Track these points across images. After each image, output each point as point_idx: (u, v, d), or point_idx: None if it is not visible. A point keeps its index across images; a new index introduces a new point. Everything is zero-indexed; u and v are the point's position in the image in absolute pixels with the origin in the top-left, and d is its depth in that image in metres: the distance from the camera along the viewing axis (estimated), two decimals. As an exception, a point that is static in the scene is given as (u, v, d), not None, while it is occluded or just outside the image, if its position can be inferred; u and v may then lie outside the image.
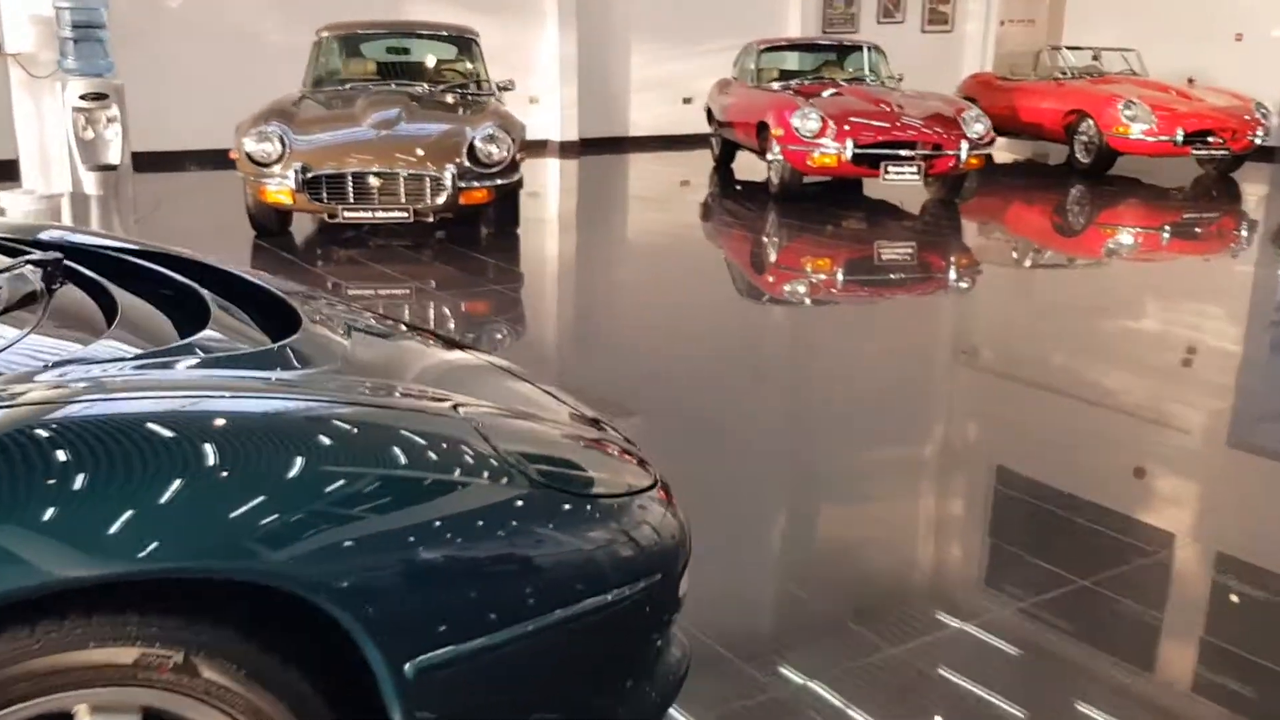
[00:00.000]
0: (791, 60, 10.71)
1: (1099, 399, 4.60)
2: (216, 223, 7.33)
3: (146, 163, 9.71)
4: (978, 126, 8.73)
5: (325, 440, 1.42)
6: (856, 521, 3.48)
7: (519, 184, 7.29)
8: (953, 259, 7.76)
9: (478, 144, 6.84)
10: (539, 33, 12.54)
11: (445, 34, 8.75)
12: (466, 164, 6.76)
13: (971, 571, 3.22)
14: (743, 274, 7.50)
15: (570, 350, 5.45)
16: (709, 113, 11.40)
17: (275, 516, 1.29)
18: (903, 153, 8.52)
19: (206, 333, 1.77)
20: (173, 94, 10.01)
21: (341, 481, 1.37)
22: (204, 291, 2.00)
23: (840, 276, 7.15)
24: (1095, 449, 4.02)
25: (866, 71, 10.38)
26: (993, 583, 3.08)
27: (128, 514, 1.21)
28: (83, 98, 6.18)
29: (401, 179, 6.65)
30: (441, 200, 6.69)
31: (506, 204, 7.35)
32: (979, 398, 4.84)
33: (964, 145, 8.55)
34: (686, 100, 13.15)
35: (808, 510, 3.65)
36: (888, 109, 8.88)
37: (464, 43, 8.67)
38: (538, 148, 12.70)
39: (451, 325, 5.82)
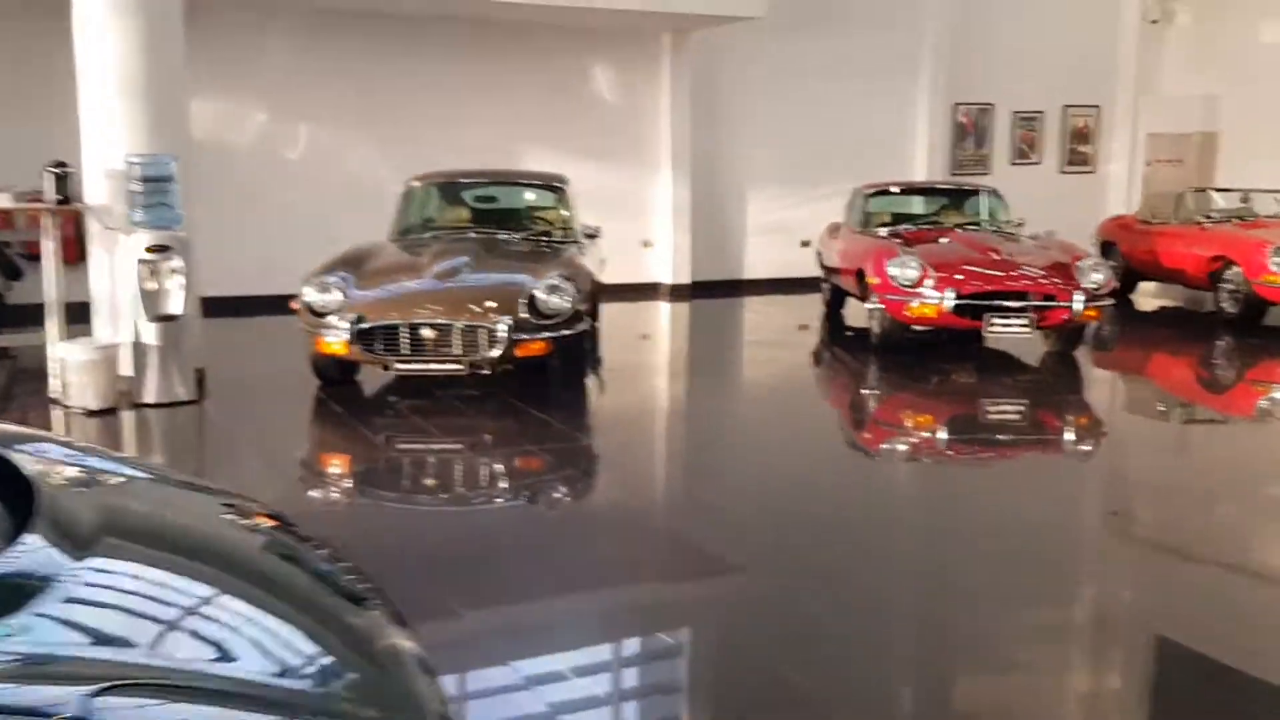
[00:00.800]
0: (900, 205, 10.24)
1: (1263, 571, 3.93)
2: (284, 370, 7.27)
3: (223, 308, 10.00)
4: (1096, 276, 8.01)
5: None
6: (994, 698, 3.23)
7: (586, 334, 6.99)
8: (1069, 417, 7.02)
9: (538, 294, 6.60)
10: (654, 178, 12.49)
11: (533, 181, 8.70)
12: (524, 315, 6.51)
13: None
14: (845, 429, 6.97)
15: (628, 510, 5.01)
16: (820, 257, 11.00)
17: None
18: (1009, 304, 7.87)
19: None
20: (260, 240, 10.28)
21: None
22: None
23: (943, 434, 6.57)
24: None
25: (984, 216, 9.80)
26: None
27: None
28: (148, 250, 6.24)
29: (456, 330, 6.45)
30: (497, 352, 6.44)
31: (571, 354, 7.04)
32: (1110, 569, 4.16)
33: (1078, 297, 7.83)
34: (805, 243, 12.77)
35: (943, 681, 3.43)
36: (996, 257, 8.28)
37: (552, 189, 8.59)
38: (650, 290, 12.56)
39: (503, 483, 5.50)
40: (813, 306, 11.27)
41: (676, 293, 12.50)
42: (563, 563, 4.23)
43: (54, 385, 6.42)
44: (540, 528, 4.78)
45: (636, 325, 11.18)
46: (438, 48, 11.33)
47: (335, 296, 6.58)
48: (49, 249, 6.55)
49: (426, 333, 6.43)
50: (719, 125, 12.73)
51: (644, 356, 9.67)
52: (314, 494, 5.31)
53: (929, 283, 7.99)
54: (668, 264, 12.56)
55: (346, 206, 10.26)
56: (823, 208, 11.69)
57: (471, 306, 6.52)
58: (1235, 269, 9.83)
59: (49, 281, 6.58)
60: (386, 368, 6.56)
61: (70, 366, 6.14)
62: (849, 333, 10.13)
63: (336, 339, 6.47)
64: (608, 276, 11.58)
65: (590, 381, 7.78)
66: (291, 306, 6.73)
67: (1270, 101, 13.10)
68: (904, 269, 8.07)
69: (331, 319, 6.50)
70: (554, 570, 4.15)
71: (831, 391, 8.10)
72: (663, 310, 11.99)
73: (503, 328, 6.41)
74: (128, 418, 6.30)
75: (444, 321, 6.43)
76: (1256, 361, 8.92)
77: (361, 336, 6.44)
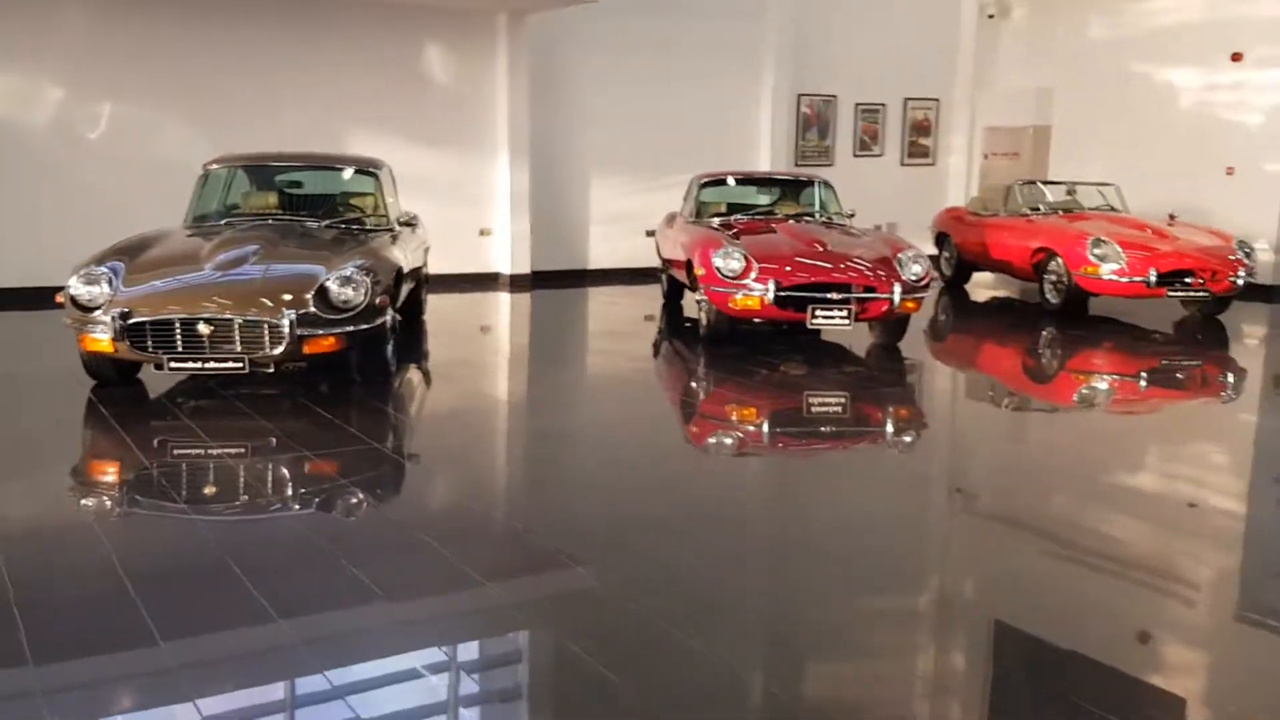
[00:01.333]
0: (734, 195, 10.11)
1: (1093, 554, 3.99)
2: (59, 369, 6.68)
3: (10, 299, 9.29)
4: (915, 268, 7.99)
5: None
6: (839, 681, 3.27)
7: (386, 328, 6.60)
8: (890, 408, 6.96)
9: (331, 286, 6.19)
10: (492, 164, 12.12)
11: (345, 165, 8.24)
12: (313, 309, 6.09)
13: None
14: (676, 423, 6.75)
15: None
16: (658, 247, 10.80)
17: None
18: (831, 296, 7.78)
19: None
20: (57, 227, 9.59)
21: None
22: None
23: (771, 427, 6.42)
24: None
25: (815, 207, 9.74)
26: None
27: None
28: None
29: (236, 326, 5.98)
30: (280, 349, 6.01)
31: (374, 351, 6.64)
32: (938, 554, 3.98)
33: (897, 288, 7.79)
34: (649, 233, 12.60)
35: (787, 669, 3.36)
36: (821, 249, 8.18)
37: (366, 173, 8.15)
38: (489, 280, 12.20)
39: (288, 489, 5.08)
40: (658, 298, 11.08)
41: (516, 283, 12.17)
42: (362, 569, 3.87)
43: None
44: (337, 534, 4.40)
45: (475, 316, 10.80)
46: (258, 23, 10.73)
47: (103, 289, 6.06)
48: None
49: (202, 328, 5.95)
50: (560, 110, 12.42)
51: (476, 349, 9.29)
52: (74, 504, 4.81)
53: (752, 274, 7.84)
54: (507, 253, 12.21)
55: (154, 191, 9.59)
56: (668, 197, 11.51)
57: (254, 299, 6.07)
58: (1058, 260, 9.99)
59: None
60: (160, 366, 6.05)
61: None
62: (688, 324, 9.96)
63: (103, 335, 5.95)
64: (443, 265, 11.26)
65: (411, 377, 7.41)
66: (57, 300, 6.17)
67: (1099, 95, 13.46)
68: (728, 260, 7.91)
69: (98, 314, 5.97)
70: (352, 578, 3.81)
71: (665, 385, 7.89)
72: (502, 301, 11.63)
73: (286, 322, 5.98)
74: None
75: (221, 316, 5.97)
76: (1075, 351, 9.06)
77: (130, 332, 5.93)
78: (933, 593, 4.12)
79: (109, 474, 5.32)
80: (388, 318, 6.55)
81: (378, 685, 3.19)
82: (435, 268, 10.83)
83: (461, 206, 11.89)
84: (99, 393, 6.43)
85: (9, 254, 9.73)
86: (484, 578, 3.88)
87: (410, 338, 8.94)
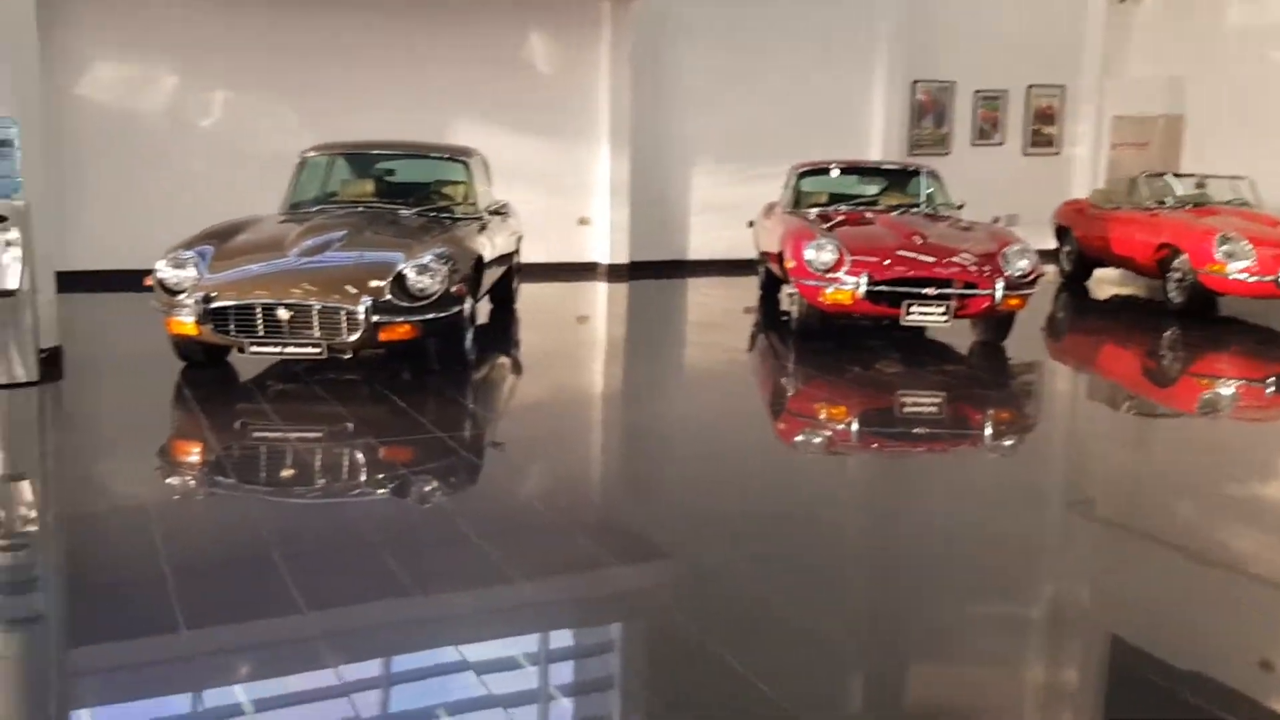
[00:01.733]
0: (834, 185, 9.78)
1: (1216, 570, 3.84)
2: (152, 350, 6.83)
3: (125, 282, 9.47)
4: (1021, 263, 7.57)
5: None
6: (936, 690, 3.10)
7: (463, 317, 6.56)
8: (992, 411, 6.62)
9: (408, 274, 6.17)
10: (592, 153, 12.02)
11: (438, 154, 8.24)
12: (388, 296, 6.08)
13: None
14: (769, 418, 6.56)
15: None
16: (756, 238, 10.55)
17: None
18: (927, 291, 7.43)
19: None
20: (164, 211, 9.81)
21: None
22: None
23: (862, 426, 6.22)
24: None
25: (922, 199, 9.35)
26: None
27: None
28: (-20, 219, 5.81)
29: (314, 312, 6.01)
30: (356, 336, 6.02)
31: (452, 340, 6.60)
32: (1038, 560, 3.76)
33: (999, 284, 7.40)
34: (751, 224, 12.34)
35: (890, 675, 3.21)
36: (920, 241, 7.83)
37: (457, 163, 8.14)
38: (586, 270, 12.12)
39: (362, 474, 5.08)
40: (757, 291, 10.83)
41: (614, 273, 12.06)
42: (433, 556, 3.84)
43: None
44: (410, 521, 4.37)
45: (570, 306, 10.74)
46: (366, 12, 10.84)
47: (189, 273, 6.16)
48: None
49: (281, 313, 6.00)
50: (661, 98, 12.25)
51: (569, 339, 9.22)
52: (154, 482, 4.87)
53: (844, 268, 7.55)
54: (605, 242, 12.11)
55: (260, 179, 9.76)
56: (771, 187, 11.22)
57: (333, 286, 6.09)
58: (1182, 257, 9.39)
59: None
60: (242, 350, 6.13)
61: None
62: (784, 318, 9.70)
63: (188, 318, 6.05)
64: (540, 254, 11.23)
65: (497, 366, 7.40)
66: (145, 283, 6.30)
67: (1235, 85, 12.63)
68: (820, 252, 7.64)
69: (182, 297, 6.07)
70: (428, 564, 3.78)
71: (757, 380, 7.69)
72: (599, 291, 11.55)
73: (362, 309, 5.98)
74: (-40, 399, 5.89)
75: (300, 302, 6.00)
76: (1198, 354, 8.49)
77: (213, 316, 6.01)
78: (1041, 603, 3.86)
79: (188, 455, 5.39)
80: (465, 306, 6.51)
81: (462, 669, 3.13)
82: (532, 256, 10.81)
83: (561, 195, 11.84)
84: (188, 374, 6.55)
85: (119, 236, 10.03)
86: (566, 569, 3.79)
87: (500, 326, 8.93)
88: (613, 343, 9.40)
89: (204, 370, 6.60)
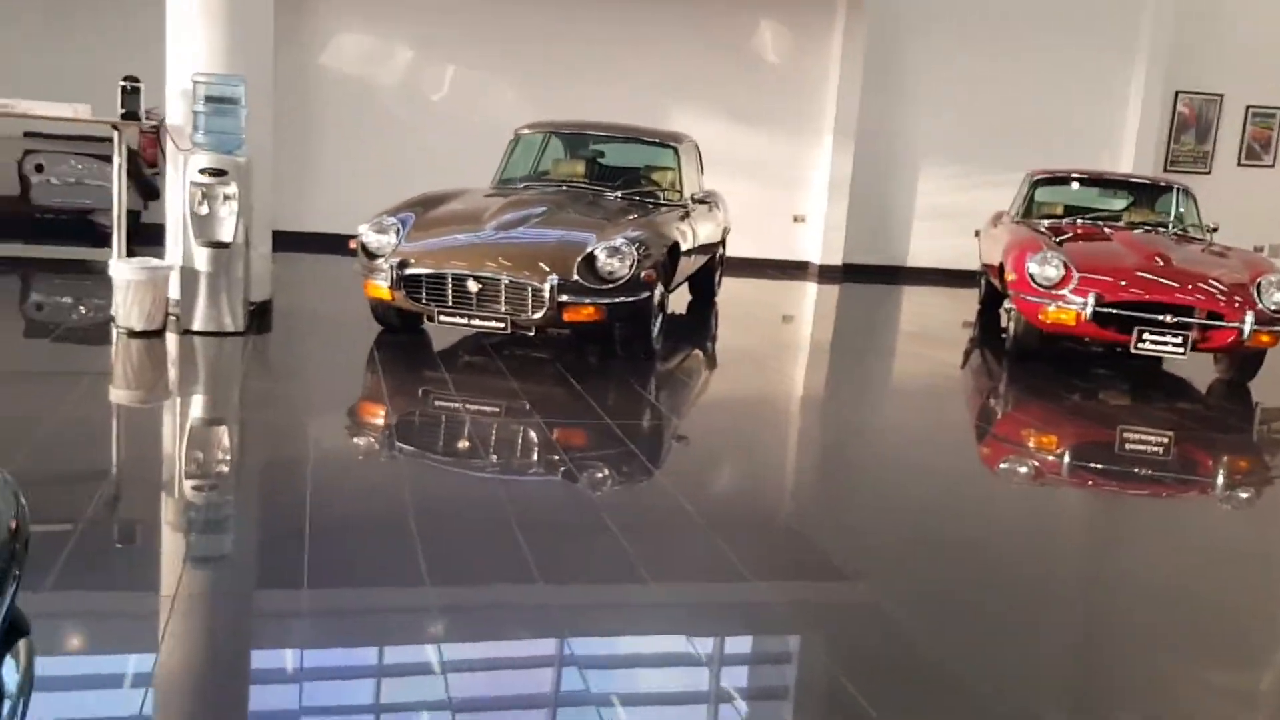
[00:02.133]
0: (1071, 197, 9.03)
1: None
2: (353, 310, 7.00)
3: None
4: (1277, 296, 6.71)
5: None
6: None
7: (651, 303, 6.38)
8: (1227, 457, 5.91)
9: (598, 255, 6.04)
10: (814, 148, 11.64)
11: (649, 139, 8.10)
12: (575, 277, 5.97)
13: None
14: (977, 444, 6.11)
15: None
16: (980, 248, 9.91)
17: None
18: (1164, 319, 6.70)
19: None
20: (394, 179, 10.07)
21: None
22: None
23: (1073, 459, 5.66)
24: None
25: (1170, 219, 8.50)
26: None
27: None
28: (201, 172, 6.08)
29: (502, 286, 5.98)
30: (540, 314, 5.95)
31: (638, 326, 6.44)
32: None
33: (1249, 318, 6.58)
34: (977, 233, 11.65)
35: None
36: (1160, 263, 7.07)
37: (667, 148, 7.99)
38: (797, 269, 11.77)
39: (534, 453, 5.00)
40: (977, 304, 10.20)
41: (826, 274, 11.65)
42: (621, 544, 3.73)
43: (116, 303, 6.38)
44: (582, 506, 4.26)
45: (776, 304, 10.43)
46: (595, -4, 10.88)
47: (390, 239, 6.26)
48: (117, 164, 6.50)
49: (471, 285, 6.00)
50: (891, 95, 11.71)
51: (770, 338, 8.90)
52: (339, 440, 4.95)
53: (1071, 285, 6.91)
54: (819, 241, 11.70)
55: (483, 152, 9.94)
56: (1001, 195, 10.53)
57: (524, 261, 6.04)
58: None
59: (115, 198, 6.54)
60: (431, 318, 6.18)
61: (119, 286, 6.06)
62: (1003, 334, 9.06)
63: (383, 283, 6.15)
64: (749, 249, 10.98)
65: (691, 357, 7.22)
66: (350, 246, 6.45)
67: None
68: (1044, 266, 7.02)
69: (380, 262, 6.18)
70: (609, 551, 3.68)
71: (966, 398, 7.18)
72: (808, 291, 11.17)
73: (547, 287, 5.90)
74: (172, 341, 6.19)
75: (489, 275, 5.99)
76: None
77: (407, 282, 6.08)
78: (1270, 673, 3.33)
79: (373, 417, 5.45)
80: (653, 293, 6.33)
81: (632, 664, 3.03)
82: (741, 251, 10.57)
83: (776, 190, 11.52)
84: (383, 338, 6.68)
85: (345, 201, 10.43)
86: (747, 573, 3.57)
87: (699, 318, 8.73)
88: (816, 346, 9.01)
89: (398, 335, 6.71)
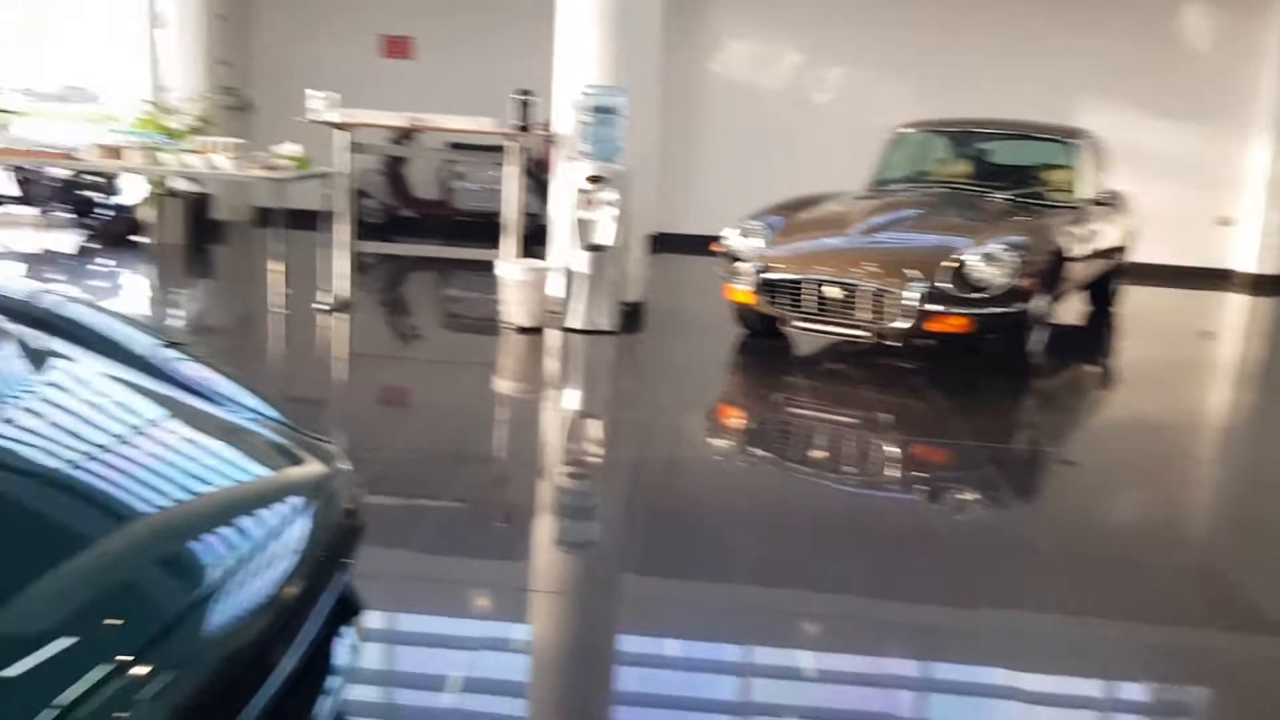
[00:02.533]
0: None
1: None
2: (722, 312, 7.08)
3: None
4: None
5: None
6: None
7: (1027, 316, 5.88)
8: None
9: (969, 261, 5.66)
10: (1244, 143, 10.28)
11: (1043, 135, 7.51)
12: (943, 284, 5.63)
13: None
14: None
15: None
16: None
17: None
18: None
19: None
20: (783, 185, 10.08)
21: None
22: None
23: None
24: None
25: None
26: None
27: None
28: (587, 179, 6.40)
29: (863, 293, 5.76)
30: (904, 324, 5.66)
31: (1014, 340, 5.96)
32: None
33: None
34: None
35: None
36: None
37: (1062, 145, 7.36)
38: (1219, 278, 10.47)
39: (895, 470, 4.81)
40: None
41: (1258, 285, 10.24)
42: (985, 570, 3.56)
43: (503, 300, 6.89)
44: (949, 529, 4.07)
45: (1193, 317, 9.31)
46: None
47: (754, 243, 6.25)
48: (511, 172, 7.00)
49: (832, 292, 5.84)
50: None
51: (1182, 355, 7.90)
52: (697, 440, 5.04)
53: None
54: (1251, 249, 10.30)
55: (866, 154, 9.76)
56: None
57: (887, 268, 5.78)
58: None
59: (506, 203, 7.05)
60: (785, 324, 6.09)
61: (504, 285, 6.53)
62: None
63: (745, 286, 6.15)
64: (1161, 255, 9.88)
65: (1080, 373, 6.68)
66: (712, 249, 6.52)
67: None
68: None
69: (743, 265, 6.18)
70: (972, 576, 3.50)
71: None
72: (1234, 303, 9.88)
73: (912, 295, 5.60)
74: (551, 338, 6.57)
75: (850, 281, 5.79)
76: None
77: (766, 287, 6.04)
78: None
79: (730, 419, 5.46)
80: (1030, 305, 5.82)
81: (1008, 696, 2.84)
82: (1151, 257, 9.55)
83: (1196, 190, 10.30)
84: (747, 342, 6.70)
85: (728, 204, 10.58)
86: (1137, 613, 3.23)
87: (1094, 331, 7.98)
88: (1241, 366, 7.89)
89: (762, 339, 6.70)
